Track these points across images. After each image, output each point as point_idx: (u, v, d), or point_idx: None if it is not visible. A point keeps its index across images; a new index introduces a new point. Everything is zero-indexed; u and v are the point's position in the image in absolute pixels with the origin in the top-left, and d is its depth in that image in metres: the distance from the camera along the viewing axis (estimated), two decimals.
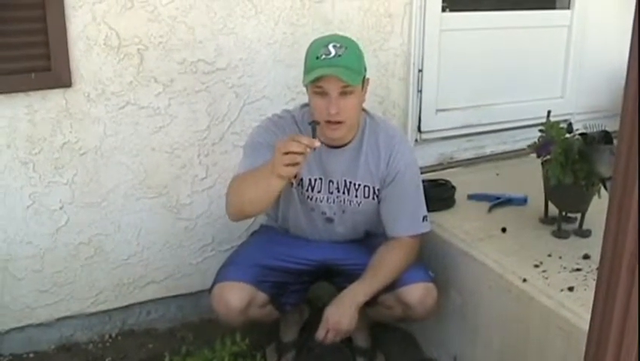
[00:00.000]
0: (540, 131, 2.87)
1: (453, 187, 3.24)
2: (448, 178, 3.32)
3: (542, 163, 2.85)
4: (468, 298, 2.86)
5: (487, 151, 3.80)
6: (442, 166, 3.64)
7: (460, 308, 2.91)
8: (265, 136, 2.58)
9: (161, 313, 3.30)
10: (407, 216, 2.66)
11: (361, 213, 2.74)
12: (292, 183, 2.43)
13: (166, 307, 3.29)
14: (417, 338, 3.20)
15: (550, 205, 2.96)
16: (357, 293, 2.56)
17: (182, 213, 3.15)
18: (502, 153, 3.79)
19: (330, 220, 2.76)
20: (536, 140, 2.87)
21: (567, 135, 2.79)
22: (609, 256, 1.35)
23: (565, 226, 2.92)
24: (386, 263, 2.61)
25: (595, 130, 2.77)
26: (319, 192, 2.68)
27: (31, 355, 3.07)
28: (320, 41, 2.48)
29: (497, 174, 3.54)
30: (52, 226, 2.93)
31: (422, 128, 3.60)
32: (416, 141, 3.60)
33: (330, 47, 2.39)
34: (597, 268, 1.42)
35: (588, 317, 1.48)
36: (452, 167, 3.64)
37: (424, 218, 2.68)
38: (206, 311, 3.33)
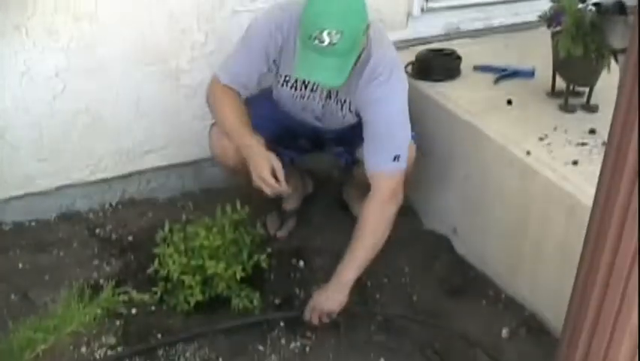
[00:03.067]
0: (552, 1, 2.78)
1: (459, 57, 3.17)
2: (454, 48, 3.23)
3: (552, 35, 2.78)
4: (470, 170, 2.85)
5: (496, 22, 3.68)
6: (448, 36, 3.54)
7: (461, 180, 2.90)
8: (261, 37, 2.55)
9: (161, 182, 3.29)
10: (377, 152, 2.54)
11: (347, 124, 2.73)
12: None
13: (166, 176, 3.28)
14: (417, 210, 3.21)
15: (558, 79, 2.90)
16: (339, 277, 2.53)
17: (181, 80, 3.08)
18: (511, 25, 3.67)
19: (318, 119, 2.76)
20: (547, 10, 2.78)
21: (580, 5, 2.69)
22: (618, 131, 1.32)
23: (572, 100, 2.87)
24: (363, 229, 2.53)
25: (609, 0, 2.67)
26: (310, 92, 2.66)
27: (33, 223, 3.09)
28: (318, 9, 2.32)
29: (505, 46, 3.45)
30: (48, 94, 2.87)
31: None
32: (422, 10, 3.49)
33: (325, 34, 2.26)
34: (603, 143, 1.39)
35: (591, 191, 1.46)
36: (459, 37, 3.54)
37: (397, 158, 2.52)
38: (206, 181, 3.35)
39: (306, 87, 2.65)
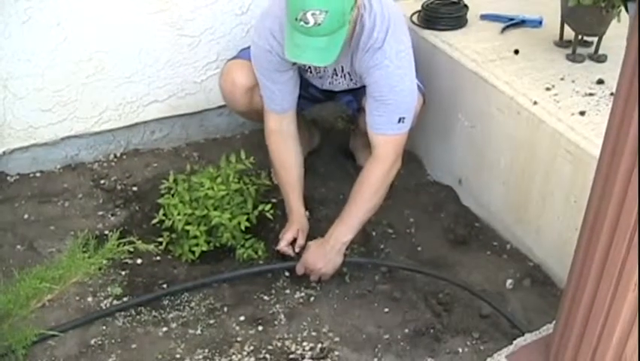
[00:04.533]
0: None
1: (465, 6, 3.12)
2: None
3: None
4: (476, 120, 2.83)
5: None
6: None
7: (467, 131, 2.88)
8: (265, 59, 2.57)
9: (166, 132, 3.28)
10: (381, 115, 2.53)
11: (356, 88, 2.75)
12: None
13: (170, 126, 3.27)
14: (422, 161, 3.20)
15: (567, 28, 2.85)
16: (338, 236, 2.53)
17: (185, 30, 3.04)
18: None
19: (331, 87, 2.79)
20: None
21: None
22: (629, 75, 1.30)
23: (580, 50, 2.83)
24: (364, 190, 2.55)
25: None
26: (317, 73, 2.69)
27: (38, 174, 3.10)
28: None
29: None
30: (50, 43, 2.84)
31: None
32: None
33: (309, 15, 2.21)
34: (611, 94, 1.37)
35: (598, 141, 1.45)
36: None
37: (401, 120, 2.51)
38: (210, 131, 3.34)
39: (312, 69, 2.65)
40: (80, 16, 2.84)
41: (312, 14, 2.22)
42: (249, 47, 2.67)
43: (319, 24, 2.24)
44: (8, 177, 3.05)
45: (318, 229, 2.68)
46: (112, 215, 2.88)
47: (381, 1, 2.50)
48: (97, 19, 2.87)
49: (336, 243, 2.52)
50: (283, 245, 2.60)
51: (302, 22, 2.24)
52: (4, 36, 2.76)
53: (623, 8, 2.60)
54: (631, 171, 1.33)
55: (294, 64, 2.54)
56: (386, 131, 2.53)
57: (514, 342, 2.12)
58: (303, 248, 2.59)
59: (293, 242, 2.62)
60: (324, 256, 2.52)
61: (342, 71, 2.61)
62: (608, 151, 1.41)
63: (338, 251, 2.53)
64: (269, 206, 2.64)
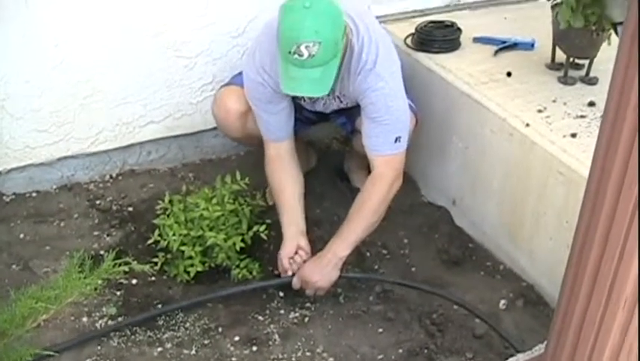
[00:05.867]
0: None
1: (459, 29, 3.15)
2: (454, 20, 3.22)
3: (552, 6, 2.76)
4: (470, 142, 2.85)
5: None
6: (448, 8, 3.51)
7: (461, 152, 2.91)
8: (257, 92, 2.59)
9: (162, 153, 3.30)
10: (378, 136, 2.55)
11: (349, 109, 2.76)
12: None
13: (166, 147, 3.29)
14: (416, 181, 3.21)
15: (558, 51, 2.89)
16: (336, 251, 2.54)
17: (181, 51, 3.07)
18: None
19: (325, 110, 2.81)
20: None
21: None
22: (616, 97, 1.32)
23: (572, 73, 2.86)
24: (365, 207, 2.57)
25: None
26: (309, 99, 2.70)
27: (34, 194, 3.11)
28: (292, 23, 2.28)
29: (505, 18, 3.43)
30: (48, 64, 2.86)
31: None
32: None
33: (303, 47, 2.23)
34: (602, 116, 1.39)
35: (590, 163, 1.47)
36: (459, 9, 3.52)
37: (397, 139, 2.54)
38: (206, 152, 3.36)
39: (305, 97, 2.67)
40: (78, 38, 2.86)
41: (306, 46, 2.24)
42: (241, 73, 2.70)
43: (313, 55, 2.25)
44: (4, 197, 3.06)
45: (313, 250, 2.69)
46: (107, 235, 2.89)
47: (366, 22, 2.52)
48: (94, 41, 2.90)
49: (333, 257, 2.53)
50: (285, 262, 2.59)
51: (296, 55, 2.25)
52: (3, 57, 2.78)
53: (613, 31, 2.64)
54: (619, 192, 1.35)
55: (288, 94, 2.57)
56: (384, 151, 2.55)
57: None
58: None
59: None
60: (321, 269, 2.53)
61: (334, 93, 2.64)
62: (596, 173, 1.43)
63: (335, 266, 2.54)
64: (264, 227, 2.65)
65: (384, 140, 2.54)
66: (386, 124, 2.52)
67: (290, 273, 2.58)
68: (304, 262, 2.57)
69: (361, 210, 2.57)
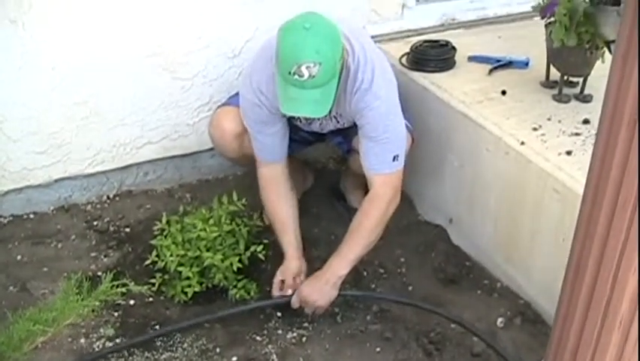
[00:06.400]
0: None
1: (453, 48, 3.17)
2: (448, 39, 3.24)
3: (546, 25, 2.78)
4: (465, 160, 2.86)
5: (490, 13, 3.68)
6: (443, 27, 3.54)
7: (457, 171, 2.92)
8: (253, 112, 2.60)
9: (159, 174, 3.31)
10: (376, 155, 2.56)
11: (345, 128, 2.77)
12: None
13: (163, 168, 3.30)
14: (413, 200, 3.22)
15: (552, 69, 2.91)
16: (334, 270, 2.54)
17: (178, 73, 3.09)
18: (505, 16, 3.67)
19: (321, 129, 2.81)
20: (541, 1, 2.79)
21: None
22: (609, 115, 1.33)
23: (566, 90, 2.88)
24: (364, 226, 2.57)
25: None
26: (305, 119, 2.71)
27: (31, 215, 3.11)
28: (292, 44, 2.31)
29: (499, 37, 3.46)
30: (45, 87, 2.88)
31: None
32: (417, 1, 3.49)
33: (303, 68, 2.24)
34: (596, 134, 1.41)
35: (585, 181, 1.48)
36: (453, 28, 3.55)
37: (395, 157, 2.55)
38: (203, 172, 3.37)
39: (302, 118, 2.68)
40: (75, 60, 2.88)
41: (307, 67, 2.25)
42: (237, 94, 2.70)
43: (313, 76, 2.26)
44: (2, 219, 3.07)
45: (310, 269, 2.69)
46: (105, 256, 2.89)
47: (362, 42, 2.54)
48: (91, 63, 2.91)
49: (332, 276, 2.53)
50: (275, 291, 2.62)
51: (296, 76, 2.26)
52: (1, 80, 2.80)
53: (606, 49, 2.66)
54: (613, 210, 1.36)
55: (284, 115, 2.58)
56: (383, 170, 2.56)
57: None
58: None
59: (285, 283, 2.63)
60: (321, 288, 2.52)
61: (330, 113, 2.65)
62: (591, 192, 1.44)
63: (334, 285, 2.53)
64: (261, 247, 2.66)
65: (382, 159, 2.55)
66: (384, 143, 2.53)
67: (289, 292, 2.58)
68: (292, 288, 2.58)
69: (360, 229, 2.57)
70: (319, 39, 2.28)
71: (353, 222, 2.60)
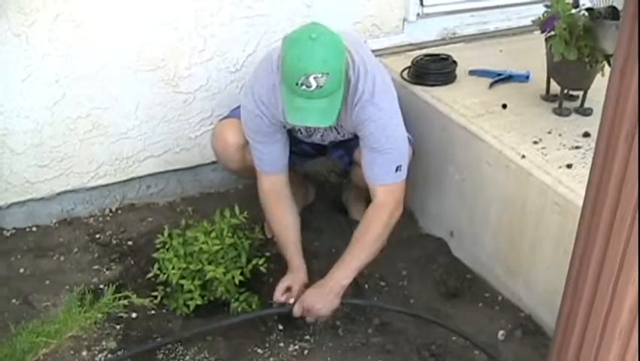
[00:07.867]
0: (545, 6, 2.80)
1: (454, 62, 3.19)
2: (449, 53, 3.26)
3: (546, 39, 2.80)
4: (466, 173, 2.87)
5: (491, 27, 3.71)
6: (444, 41, 3.56)
7: (458, 184, 2.93)
8: (255, 123, 2.61)
9: (161, 187, 3.32)
10: (379, 166, 2.58)
11: (346, 141, 2.79)
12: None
13: (165, 181, 3.31)
14: (414, 213, 3.23)
15: (553, 83, 2.92)
16: (338, 279, 2.55)
17: (180, 87, 3.10)
18: (506, 30, 3.70)
19: (322, 141, 2.83)
20: (541, 15, 2.81)
21: (573, 10, 2.72)
22: (607, 128, 1.35)
23: (566, 104, 2.90)
24: (367, 236, 2.58)
25: (602, 5, 2.70)
26: (306, 130, 2.72)
27: (34, 229, 3.12)
28: (299, 55, 2.31)
29: (500, 51, 3.48)
30: (49, 100, 2.89)
31: (424, 2, 3.50)
32: (418, 15, 3.51)
33: (311, 79, 2.26)
34: (595, 147, 1.42)
35: None
36: (454, 42, 3.57)
37: (398, 168, 2.57)
38: (205, 185, 3.38)
39: (303, 129, 2.70)
40: (78, 74, 2.90)
41: (315, 77, 2.26)
42: (239, 107, 2.72)
43: (321, 86, 2.27)
44: (4, 232, 3.08)
45: (312, 282, 2.70)
46: (107, 269, 2.90)
47: (361, 54, 2.55)
48: (94, 77, 2.93)
49: (335, 285, 2.53)
50: (278, 294, 2.60)
51: (304, 87, 2.27)
52: (4, 93, 2.81)
53: (606, 63, 2.68)
54: (612, 223, 1.38)
55: (284, 126, 2.59)
56: (386, 181, 2.57)
57: None
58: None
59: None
60: (324, 297, 2.52)
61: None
62: (590, 203, 1.45)
63: (337, 294, 2.53)
64: (263, 260, 2.66)
65: (386, 169, 2.56)
66: (387, 153, 2.54)
67: (291, 301, 2.58)
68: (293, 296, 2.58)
69: (363, 239, 2.58)
70: (326, 49, 2.30)
71: (356, 231, 2.61)
